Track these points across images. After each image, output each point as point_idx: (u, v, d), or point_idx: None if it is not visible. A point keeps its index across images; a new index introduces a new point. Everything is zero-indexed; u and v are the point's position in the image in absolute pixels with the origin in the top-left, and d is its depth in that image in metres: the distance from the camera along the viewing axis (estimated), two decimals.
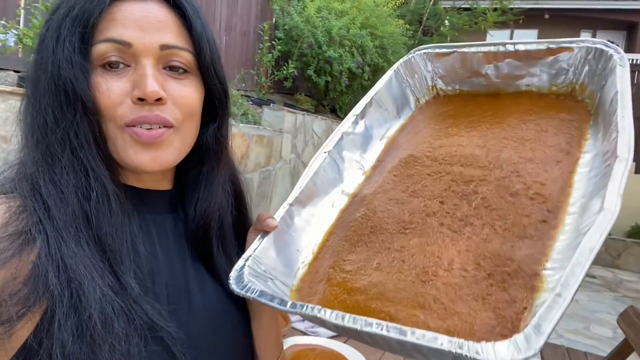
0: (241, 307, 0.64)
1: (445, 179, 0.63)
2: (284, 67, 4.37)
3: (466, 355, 0.37)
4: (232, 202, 0.67)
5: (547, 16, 10.12)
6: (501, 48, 0.74)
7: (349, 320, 0.44)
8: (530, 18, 8.84)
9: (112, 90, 0.51)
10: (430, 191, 0.63)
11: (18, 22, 2.45)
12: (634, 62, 8.56)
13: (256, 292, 0.51)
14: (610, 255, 6.78)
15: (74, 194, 0.49)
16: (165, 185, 0.63)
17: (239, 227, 0.69)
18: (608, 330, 4.23)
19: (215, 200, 0.63)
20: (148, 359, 0.49)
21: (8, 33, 2.26)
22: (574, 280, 0.40)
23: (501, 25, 7.54)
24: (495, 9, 7.28)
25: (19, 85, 2.14)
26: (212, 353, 0.58)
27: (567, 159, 0.60)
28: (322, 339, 1.41)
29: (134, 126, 0.52)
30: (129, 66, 0.53)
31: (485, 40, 7.35)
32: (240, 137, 3.11)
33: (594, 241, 0.42)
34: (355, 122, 0.76)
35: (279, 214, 0.63)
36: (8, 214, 0.47)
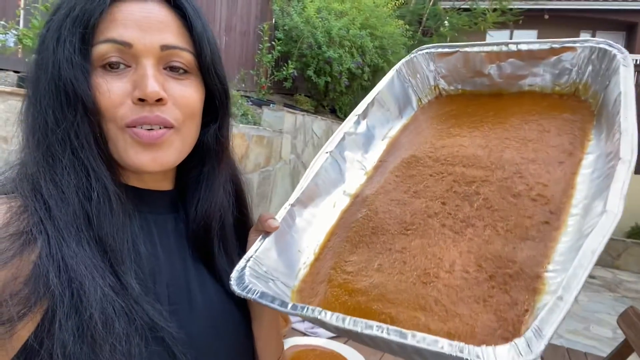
0: (242, 307, 0.64)
1: (447, 179, 0.63)
2: (284, 68, 4.37)
3: (467, 359, 0.37)
4: (233, 202, 0.67)
5: (546, 16, 10.11)
6: (504, 48, 0.74)
7: (349, 323, 0.44)
8: (529, 18, 8.83)
9: (112, 91, 0.51)
10: (432, 192, 0.62)
11: (18, 23, 2.45)
12: (634, 62, 8.56)
13: (257, 293, 0.51)
14: (610, 255, 6.76)
15: (75, 194, 0.49)
16: (167, 185, 0.63)
17: (240, 228, 0.69)
18: (608, 330, 4.22)
19: (216, 201, 0.63)
20: (149, 359, 0.48)
21: (8, 33, 2.26)
22: (576, 282, 0.39)
23: (501, 25, 7.53)
24: (494, 10, 7.27)
25: (19, 86, 2.14)
26: (212, 353, 0.58)
27: (569, 160, 0.60)
28: (322, 340, 1.41)
29: (134, 127, 0.52)
30: (129, 67, 0.52)
31: (484, 40, 7.34)
32: (240, 138, 3.11)
33: (596, 243, 0.42)
34: (357, 122, 0.76)
35: (280, 215, 0.63)
36: (9, 214, 0.47)
